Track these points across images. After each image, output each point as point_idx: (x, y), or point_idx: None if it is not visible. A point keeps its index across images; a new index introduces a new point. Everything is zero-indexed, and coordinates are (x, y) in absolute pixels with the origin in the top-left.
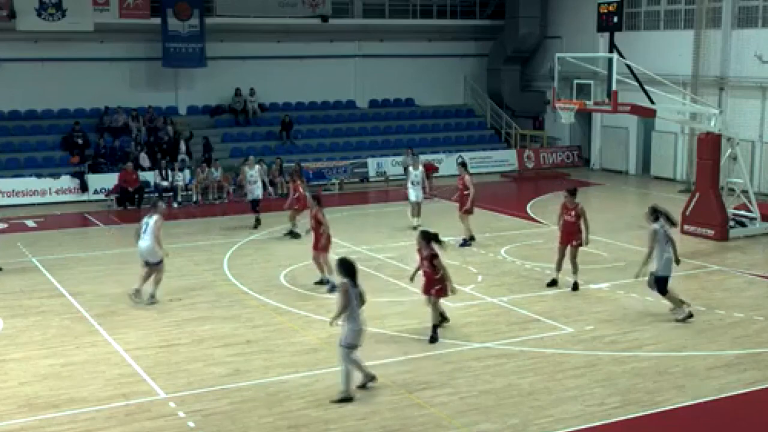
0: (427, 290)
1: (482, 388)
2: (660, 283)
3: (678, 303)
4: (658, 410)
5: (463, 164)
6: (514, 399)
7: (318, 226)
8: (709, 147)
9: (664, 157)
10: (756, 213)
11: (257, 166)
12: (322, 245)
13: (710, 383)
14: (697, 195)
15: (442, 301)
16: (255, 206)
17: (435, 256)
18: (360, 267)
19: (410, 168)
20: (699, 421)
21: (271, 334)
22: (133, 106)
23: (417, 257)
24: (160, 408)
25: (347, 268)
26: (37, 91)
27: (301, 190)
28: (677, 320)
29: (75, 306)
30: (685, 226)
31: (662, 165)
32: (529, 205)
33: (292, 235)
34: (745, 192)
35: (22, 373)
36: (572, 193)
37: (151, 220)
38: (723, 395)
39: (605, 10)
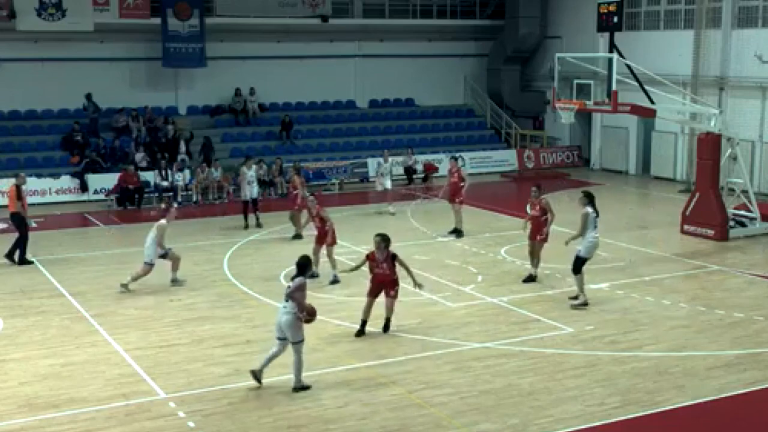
0: (386, 292)
1: (482, 388)
2: (577, 263)
3: (581, 288)
4: (658, 410)
5: (455, 158)
6: (514, 399)
7: (323, 223)
8: (709, 147)
9: (664, 157)
10: (756, 213)
11: (254, 167)
12: (327, 241)
13: (710, 383)
14: (697, 195)
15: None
16: (254, 206)
17: (395, 256)
18: (360, 267)
19: (381, 160)
20: (699, 421)
21: (271, 334)
22: (133, 106)
23: (366, 261)
24: (160, 408)
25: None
26: (37, 91)
27: (299, 189)
28: (573, 306)
29: (75, 306)
30: (685, 226)
31: (662, 165)
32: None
33: (296, 236)
34: (745, 192)
35: (22, 373)
36: (539, 187)
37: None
38: (723, 395)
39: (605, 10)
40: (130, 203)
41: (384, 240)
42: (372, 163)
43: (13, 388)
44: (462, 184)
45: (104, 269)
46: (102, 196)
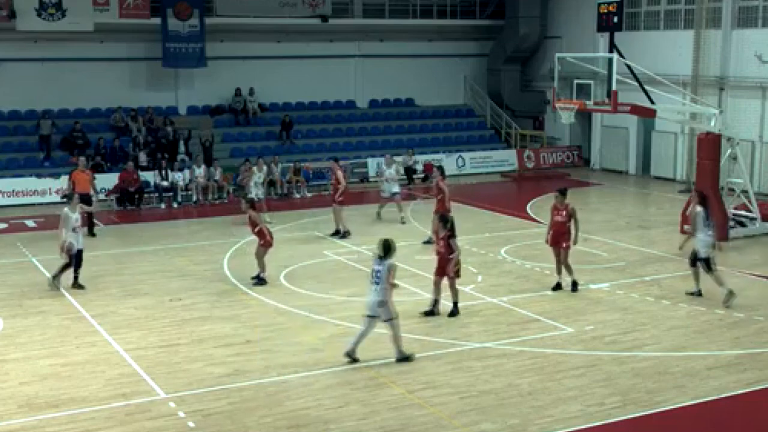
0: (441, 271)
1: (482, 388)
2: (705, 264)
3: (720, 283)
4: (658, 410)
5: (439, 167)
6: (514, 399)
7: (439, 192)
8: (709, 147)
9: (664, 157)
10: (756, 213)
11: (78, 210)
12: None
13: (710, 383)
14: None
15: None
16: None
17: (451, 236)
18: (360, 267)
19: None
20: (699, 421)
21: (271, 334)
22: (133, 106)
23: (434, 237)
24: (160, 408)
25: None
26: (37, 91)
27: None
28: (726, 305)
29: (75, 306)
30: (685, 226)
31: (662, 165)
32: (529, 205)
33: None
34: (745, 192)
35: (22, 373)
36: (562, 193)
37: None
38: (723, 395)
39: (605, 10)
40: (130, 203)
41: (441, 219)
42: (372, 163)
43: (13, 388)
44: (439, 197)
45: (104, 269)
46: (102, 196)
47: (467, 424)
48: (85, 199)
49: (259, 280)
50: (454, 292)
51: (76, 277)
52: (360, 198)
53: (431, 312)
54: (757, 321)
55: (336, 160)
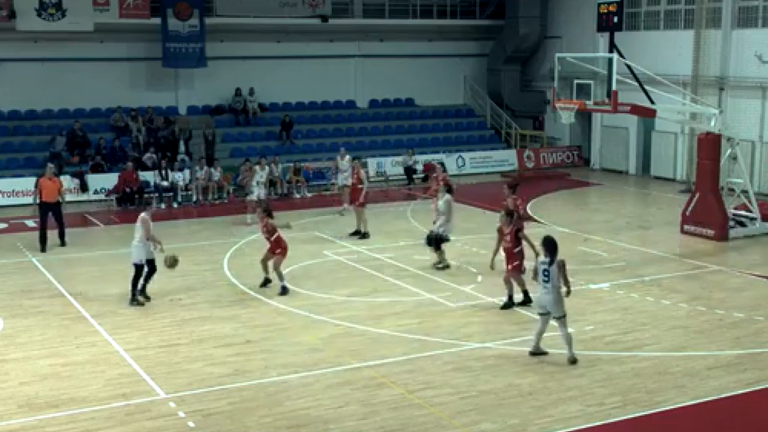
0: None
1: (482, 388)
2: (438, 241)
3: (443, 258)
4: (658, 410)
5: (442, 164)
6: (514, 399)
7: (432, 192)
8: (709, 147)
9: (664, 157)
10: (756, 213)
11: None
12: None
13: (710, 383)
14: (697, 195)
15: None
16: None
17: (520, 229)
18: (360, 267)
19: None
20: (699, 421)
21: (271, 334)
22: (133, 106)
23: (496, 236)
24: (160, 408)
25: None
26: (37, 91)
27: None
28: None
29: (75, 306)
30: (685, 226)
31: (662, 165)
32: (529, 205)
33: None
34: (745, 192)
35: (22, 373)
36: (508, 186)
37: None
38: (723, 395)
39: (605, 10)
40: (131, 203)
41: (508, 214)
42: (372, 163)
43: (13, 388)
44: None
45: (104, 269)
46: (102, 196)
47: (467, 424)
48: (53, 208)
49: (283, 290)
50: (520, 281)
51: (144, 287)
52: None
53: (509, 305)
54: (757, 321)
55: (442, 165)
